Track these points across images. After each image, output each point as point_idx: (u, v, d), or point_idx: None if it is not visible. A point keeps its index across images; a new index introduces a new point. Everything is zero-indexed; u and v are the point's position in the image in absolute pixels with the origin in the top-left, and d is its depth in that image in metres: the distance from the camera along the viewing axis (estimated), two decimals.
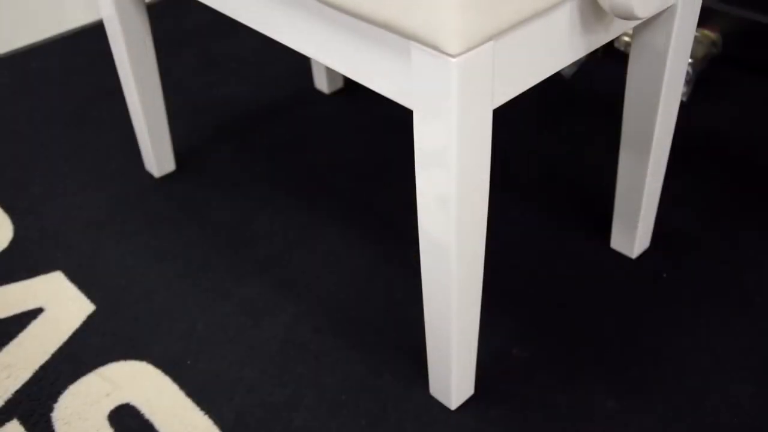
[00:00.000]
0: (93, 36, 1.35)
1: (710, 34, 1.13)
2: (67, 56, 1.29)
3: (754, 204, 0.92)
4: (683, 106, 1.09)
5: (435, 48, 0.50)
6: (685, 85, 1.08)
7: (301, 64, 1.23)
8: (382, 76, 0.56)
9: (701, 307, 0.80)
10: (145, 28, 0.91)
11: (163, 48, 1.30)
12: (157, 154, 1.00)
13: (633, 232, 0.84)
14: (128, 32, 0.89)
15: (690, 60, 1.09)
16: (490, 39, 0.51)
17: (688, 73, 1.08)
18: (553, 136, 1.05)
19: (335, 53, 0.60)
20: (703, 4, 1.14)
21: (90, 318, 0.82)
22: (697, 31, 1.15)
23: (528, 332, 0.79)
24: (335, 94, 1.15)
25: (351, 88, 1.16)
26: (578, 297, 0.82)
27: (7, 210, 0.97)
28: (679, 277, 0.83)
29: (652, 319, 0.79)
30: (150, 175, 1.02)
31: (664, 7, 0.67)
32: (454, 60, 0.49)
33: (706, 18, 1.15)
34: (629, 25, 0.64)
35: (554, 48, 0.57)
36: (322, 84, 1.15)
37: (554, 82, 1.16)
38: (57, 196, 0.99)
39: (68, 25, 1.40)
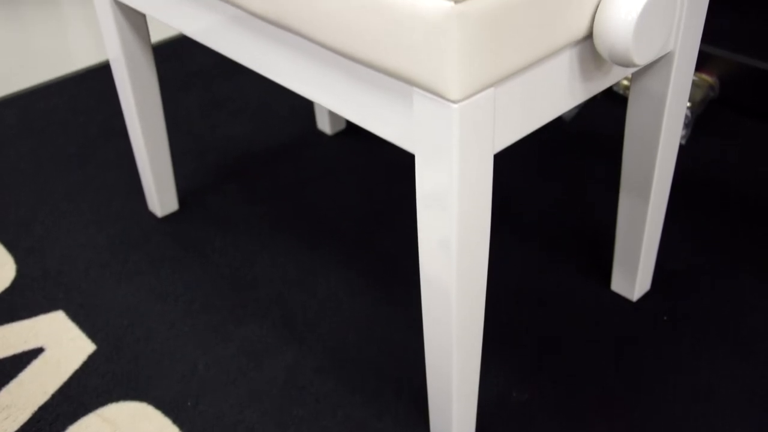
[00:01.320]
0: (99, 76, 1.37)
1: (708, 78, 1.14)
2: (73, 96, 1.31)
3: (754, 247, 0.93)
4: (682, 148, 1.10)
5: (437, 94, 0.50)
6: (683, 127, 1.10)
7: (303, 105, 1.25)
8: (384, 120, 0.57)
9: (702, 351, 0.80)
10: (150, 69, 0.92)
11: (168, 88, 1.31)
12: (160, 194, 1.00)
13: (633, 274, 0.84)
14: (134, 73, 0.91)
15: (688, 103, 1.10)
16: (491, 85, 0.52)
17: (686, 116, 1.09)
18: (554, 178, 1.06)
19: (337, 97, 0.61)
20: (700, 48, 1.16)
21: (90, 358, 0.82)
22: (694, 75, 1.16)
23: (528, 375, 0.78)
24: (338, 136, 1.17)
25: (353, 130, 1.18)
26: (579, 340, 0.82)
27: (10, 249, 0.98)
28: (679, 321, 0.83)
29: (652, 363, 0.79)
30: (153, 215, 1.02)
31: (662, 53, 0.68)
32: (455, 106, 0.50)
33: (703, 62, 1.16)
34: (628, 72, 0.66)
35: (554, 94, 0.58)
36: (324, 125, 1.17)
37: (554, 124, 1.17)
38: (60, 235, 1.00)
39: (75, 66, 1.41)
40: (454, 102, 0.50)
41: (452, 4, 0.47)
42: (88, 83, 1.35)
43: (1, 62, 1.44)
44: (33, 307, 0.89)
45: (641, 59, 0.56)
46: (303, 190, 1.06)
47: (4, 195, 1.08)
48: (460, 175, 0.53)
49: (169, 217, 1.02)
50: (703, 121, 1.15)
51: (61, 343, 0.84)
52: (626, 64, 0.57)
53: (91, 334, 0.85)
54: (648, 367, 0.79)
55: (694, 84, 1.14)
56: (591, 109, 1.20)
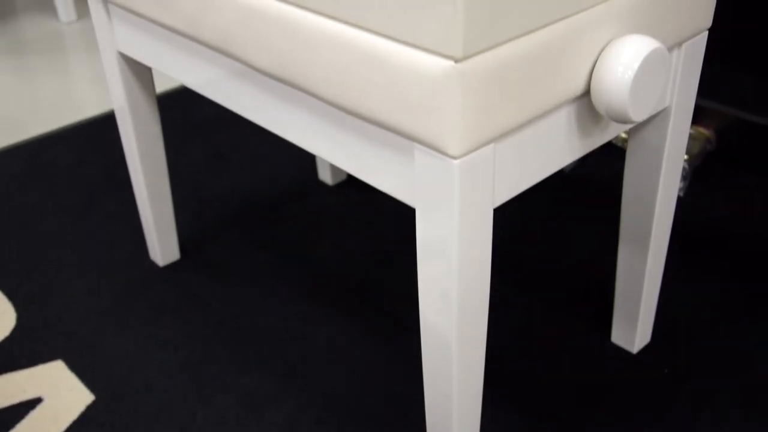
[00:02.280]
0: (103, 126, 1.38)
1: (704, 132, 1.16)
2: (78, 146, 1.32)
3: (753, 298, 0.93)
4: (680, 200, 1.11)
5: (437, 150, 0.51)
6: (681, 180, 1.11)
7: (305, 155, 1.26)
8: (384, 174, 0.58)
9: (703, 406, 0.80)
10: (154, 119, 0.93)
11: (171, 138, 1.33)
12: (162, 243, 1.01)
13: (633, 326, 0.84)
14: (138, 123, 0.92)
15: (686, 156, 1.12)
16: (490, 142, 0.53)
17: (684, 168, 1.10)
18: (554, 228, 1.06)
19: (338, 150, 0.62)
20: (696, 102, 1.18)
21: (89, 408, 0.82)
22: (691, 128, 1.18)
23: (528, 427, 0.78)
24: (339, 186, 1.18)
25: (354, 180, 1.19)
26: (578, 393, 0.81)
27: (11, 298, 0.98)
28: (680, 374, 0.83)
29: (653, 417, 0.79)
30: (154, 264, 1.03)
31: (659, 109, 0.69)
32: (456, 162, 0.51)
33: (700, 116, 1.18)
34: (626, 127, 0.67)
35: (553, 149, 0.59)
36: (326, 175, 1.18)
37: (554, 175, 1.18)
38: (61, 284, 1.00)
39: (80, 115, 1.43)
40: (454, 158, 0.51)
41: (453, 63, 0.48)
42: (92, 133, 1.36)
43: (8, 111, 1.46)
44: (32, 356, 0.89)
45: (638, 116, 0.58)
46: (304, 239, 1.06)
47: (7, 243, 1.08)
48: (461, 229, 0.54)
49: (171, 266, 1.02)
50: (700, 173, 1.16)
51: (59, 394, 0.84)
52: (623, 121, 0.58)
53: (90, 384, 0.85)
54: (648, 422, 0.78)
55: (691, 137, 1.15)
56: (590, 160, 1.21)
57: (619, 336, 0.86)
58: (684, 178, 1.11)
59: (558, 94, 0.55)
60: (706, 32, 0.69)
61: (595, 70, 0.57)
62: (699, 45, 0.69)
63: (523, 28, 0.51)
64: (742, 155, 1.17)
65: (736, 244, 1.02)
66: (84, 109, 1.46)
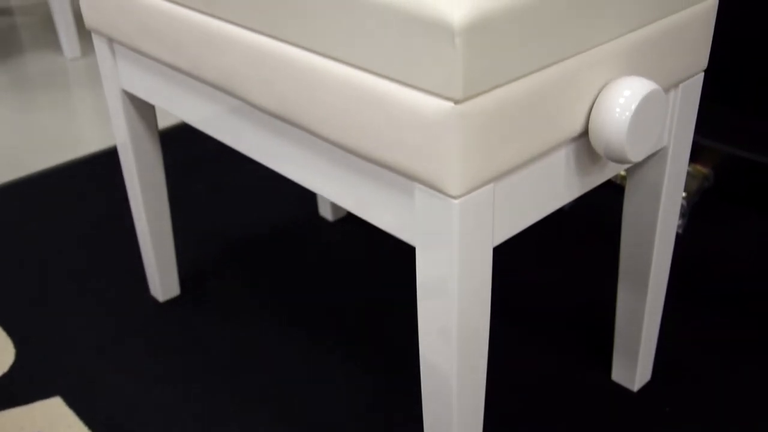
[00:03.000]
0: (105, 161, 1.39)
1: (702, 169, 1.17)
2: (80, 181, 1.33)
3: (753, 335, 0.93)
4: (679, 237, 1.11)
5: (438, 190, 0.52)
6: (680, 217, 1.11)
7: (305, 191, 1.27)
8: (384, 212, 0.59)
9: None
10: (156, 154, 0.94)
11: (173, 173, 1.34)
12: (162, 279, 1.01)
13: (634, 364, 0.84)
14: (140, 158, 0.93)
15: (684, 193, 1.12)
16: (490, 181, 0.53)
17: (682, 206, 1.11)
18: (553, 265, 1.07)
19: (339, 188, 0.62)
20: (694, 140, 1.19)
21: None
22: (689, 165, 1.19)
23: None
24: (339, 222, 1.18)
25: (355, 216, 1.19)
26: (579, 431, 0.81)
27: (10, 333, 0.98)
28: (681, 412, 0.83)
29: None
30: (154, 300, 1.03)
31: (657, 148, 0.70)
32: (455, 202, 0.51)
33: (697, 153, 1.19)
34: (624, 167, 0.67)
35: (552, 189, 0.60)
36: (326, 212, 1.18)
37: (553, 212, 1.18)
38: (61, 319, 1.00)
39: (83, 151, 1.44)
40: (454, 198, 0.51)
41: (453, 104, 0.48)
42: (94, 168, 1.37)
43: (10, 146, 1.47)
44: (31, 392, 0.88)
45: (636, 156, 0.58)
46: (304, 276, 1.07)
47: (7, 279, 1.08)
48: (460, 267, 0.54)
49: (171, 302, 1.02)
50: (699, 210, 1.17)
51: (58, 431, 0.83)
52: (621, 161, 0.58)
53: (89, 420, 0.84)
54: None
55: (689, 174, 1.16)
56: (589, 196, 1.22)
57: (619, 374, 0.86)
58: (682, 215, 1.11)
59: (556, 135, 0.56)
60: (702, 73, 0.70)
61: (592, 110, 0.58)
62: (695, 86, 0.70)
63: (521, 70, 0.51)
64: (740, 193, 1.17)
65: (734, 281, 1.02)
66: (86, 144, 1.47)
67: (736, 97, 1.15)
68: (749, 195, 1.17)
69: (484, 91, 0.50)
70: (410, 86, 0.51)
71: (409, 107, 0.51)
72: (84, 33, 2.04)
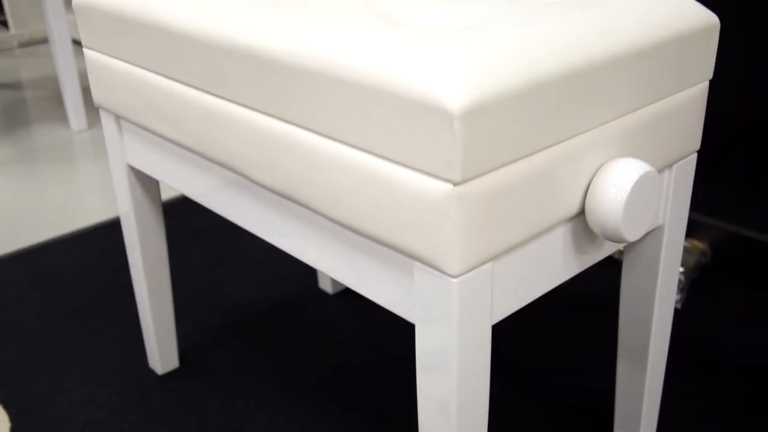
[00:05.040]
0: (107, 232, 1.40)
1: (699, 245, 1.18)
2: (81, 251, 1.34)
3: (752, 409, 0.92)
4: (677, 312, 1.11)
5: (437, 269, 0.53)
6: (678, 292, 1.12)
7: (305, 264, 1.27)
8: (384, 289, 0.59)
9: None
10: (159, 227, 0.95)
11: (174, 245, 1.35)
12: (161, 351, 1.01)
13: None
14: (143, 231, 0.94)
15: (682, 269, 1.13)
16: (488, 261, 0.54)
17: (680, 281, 1.12)
18: (551, 340, 1.07)
19: (339, 265, 0.63)
20: (690, 216, 1.20)
21: None
22: (686, 241, 1.20)
23: None
24: (339, 295, 1.18)
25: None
26: None
27: (7, 406, 0.97)
28: None
29: None
30: (153, 372, 1.02)
31: (653, 227, 0.71)
32: (455, 281, 0.52)
33: (694, 229, 1.20)
34: (621, 245, 0.68)
35: (550, 267, 0.61)
36: (326, 284, 1.19)
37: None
38: (58, 392, 0.99)
39: (84, 222, 1.46)
40: (453, 277, 0.52)
41: (452, 186, 0.50)
42: (96, 239, 1.38)
43: (14, 217, 1.49)
44: None
45: (632, 236, 0.59)
46: (303, 348, 1.06)
47: (6, 349, 1.08)
48: (460, 344, 0.55)
49: (169, 374, 1.02)
50: (697, 285, 1.18)
51: None
52: (618, 241, 0.59)
53: None
54: None
55: (686, 250, 1.17)
56: (587, 270, 1.23)
57: None
58: (681, 290, 1.12)
59: (553, 215, 0.57)
60: (696, 154, 0.72)
61: (588, 192, 0.59)
62: (689, 166, 0.71)
63: (519, 153, 0.53)
64: (737, 268, 1.18)
65: (734, 356, 1.02)
66: (88, 215, 1.48)
67: (733, 175, 1.17)
68: (747, 270, 1.17)
69: (483, 174, 0.51)
70: (411, 168, 0.52)
71: (410, 188, 0.52)
72: (90, 106, 2.09)
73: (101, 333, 1.11)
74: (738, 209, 1.17)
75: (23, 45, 2.74)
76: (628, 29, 0.60)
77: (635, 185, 0.58)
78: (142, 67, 0.76)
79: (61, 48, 1.86)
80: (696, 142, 0.70)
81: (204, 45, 0.66)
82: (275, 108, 0.61)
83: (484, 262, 0.54)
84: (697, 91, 0.68)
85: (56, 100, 2.16)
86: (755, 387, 0.97)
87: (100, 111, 0.88)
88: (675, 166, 0.69)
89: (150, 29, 0.72)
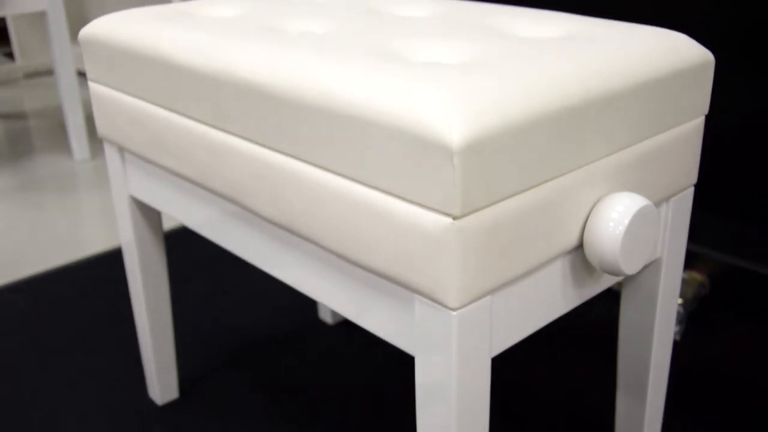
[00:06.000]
0: (108, 262, 1.41)
1: (698, 276, 1.18)
2: (82, 281, 1.34)
3: None
4: (677, 344, 1.12)
5: (437, 301, 0.53)
6: (677, 324, 1.12)
7: (306, 295, 1.28)
8: (383, 321, 0.60)
9: None
10: (160, 258, 0.96)
11: (174, 275, 1.35)
12: (161, 381, 1.01)
13: None
14: (144, 261, 0.94)
15: (680, 300, 1.13)
16: (487, 294, 0.55)
17: (679, 312, 1.12)
18: (550, 372, 1.07)
19: (339, 297, 0.63)
20: (688, 248, 1.21)
21: None
22: (685, 272, 1.20)
23: None
24: (339, 326, 1.19)
25: None
26: None
27: None
28: None
29: None
30: (152, 403, 1.02)
31: (651, 260, 0.72)
32: (454, 314, 0.53)
33: (692, 261, 1.21)
34: (619, 278, 0.69)
35: (549, 300, 0.61)
36: (326, 315, 1.19)
37: None
38: (57, 423, 0.99)
39: (86, 251, 1.46)
40: (453, 309, 0.53)
41: (451, 220, 0.50)
42: (97, 268, 1.39)
43: (15, 247, 1.49)
44: None
45: (630, 269, 0.60)
46: (303, 379, 1.06)
47: (5, 380, 1.08)
48: (459, 377, 0.55)
49: (169, 405, 1.02)
50: (696, 317, 1.18)
51: None
52: (616, 274, 0.60)
53: None
54: None
55: (685, 282, 1.17)
56: (586, 302, 1.23)
57: None
58: (679, 322, 1.12)
59: (552, 249, 0.58)
60: (692, 187, 0.73)
61: (586, 225, 0.60)
62: (686, 199, 0.72)
63: (517, 187, 0.54)
64: (736, 300, 1.18)
65: (733, 389, 1.02)
66: (90, 245, 1.49)
67: (732, 206, 1.18)
68: (746, 302, 1.18)
69: (482, 208, 0.52)
70: (411, 202, 0.53)
71: (410, 222, 0.53)
72: (93, 136, 2.10)
73: (101, 363, 1.11)
74: (737, 241, 1.18)
75: (29, 76, 2.77)
76: (624, 66, 0.61)
77: (633, 219, 0.58)
78: (146, 101, 0.77)
79: (66, 79, 1.88)
80: (693, 176, 0.71)
81: (207, 80, 0.67)
82: (277, 142, 0.62)
83: (483, 295, 0.54)
84: (693, 126, 0.69)
85: (60, 130, 2.18)
86: (755, 419, 0.96)
87: (104, 142, 0.89)
88: (672, 199, 0.70)
89: (154, 64, 0.73)
